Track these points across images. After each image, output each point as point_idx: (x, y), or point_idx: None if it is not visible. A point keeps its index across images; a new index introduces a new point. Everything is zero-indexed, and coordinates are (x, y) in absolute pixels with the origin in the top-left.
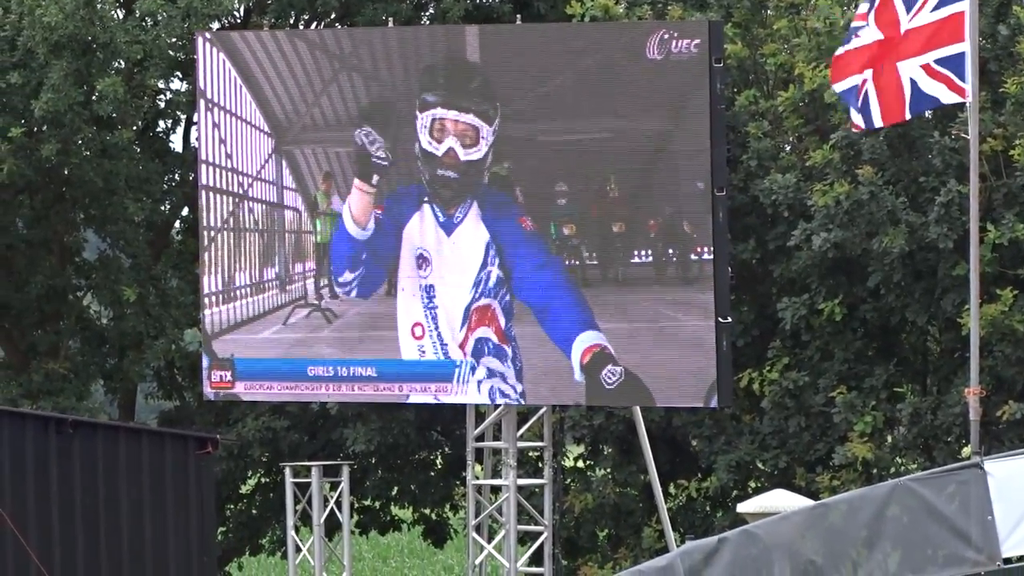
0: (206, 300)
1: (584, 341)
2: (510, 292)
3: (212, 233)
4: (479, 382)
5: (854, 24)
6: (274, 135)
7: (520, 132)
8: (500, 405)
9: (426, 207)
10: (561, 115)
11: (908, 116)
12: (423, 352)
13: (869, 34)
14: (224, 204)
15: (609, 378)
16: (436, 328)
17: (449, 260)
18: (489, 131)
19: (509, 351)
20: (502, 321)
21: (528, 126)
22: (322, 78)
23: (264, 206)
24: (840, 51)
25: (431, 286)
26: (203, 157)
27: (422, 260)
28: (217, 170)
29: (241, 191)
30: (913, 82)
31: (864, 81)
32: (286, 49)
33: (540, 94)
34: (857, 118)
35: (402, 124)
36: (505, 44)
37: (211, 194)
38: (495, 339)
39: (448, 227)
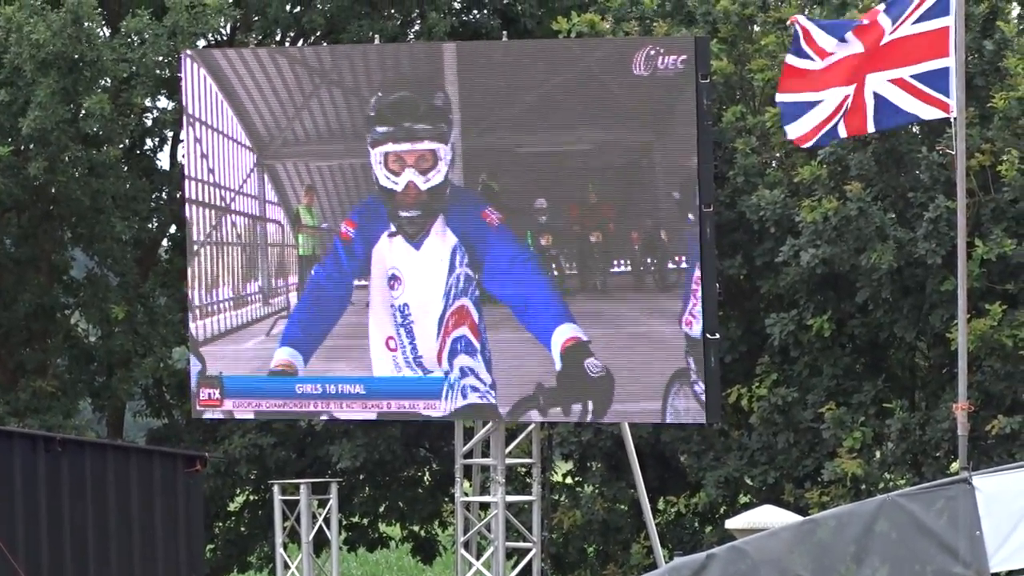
0: (191, 314)
1: (563, 333)
2: (480, 287)
3: (196, 247)
4: (454, 382)
5: (796, 30)
6: (256, 150)
7: (501, 144)
8: (489, 422)
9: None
10: (543, 129)
11: (871, 129)
12: (397, 364)
13: (845, 51)
14: (208, 218)
15: (593, 368)
16: (412, 341)
17: (420, 275)
18: (447, 149)
19: (478, 344)
20: (475, 316)
21: (508, 139)
22: (303, 93)
23: (247, 219)
24: (795, 63)
25: (405, 304)
26: (188, 173)
27: (394, 280)
28: (201, 185)
29: (223, 204)
30: (879, 96)
31: (847, 97)
32: (267, 65)
33: (523, 109)
34: (792, 132)
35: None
36: (487, 60)
37: (196, 208)
38: (469, 335)
39: (417, 244)
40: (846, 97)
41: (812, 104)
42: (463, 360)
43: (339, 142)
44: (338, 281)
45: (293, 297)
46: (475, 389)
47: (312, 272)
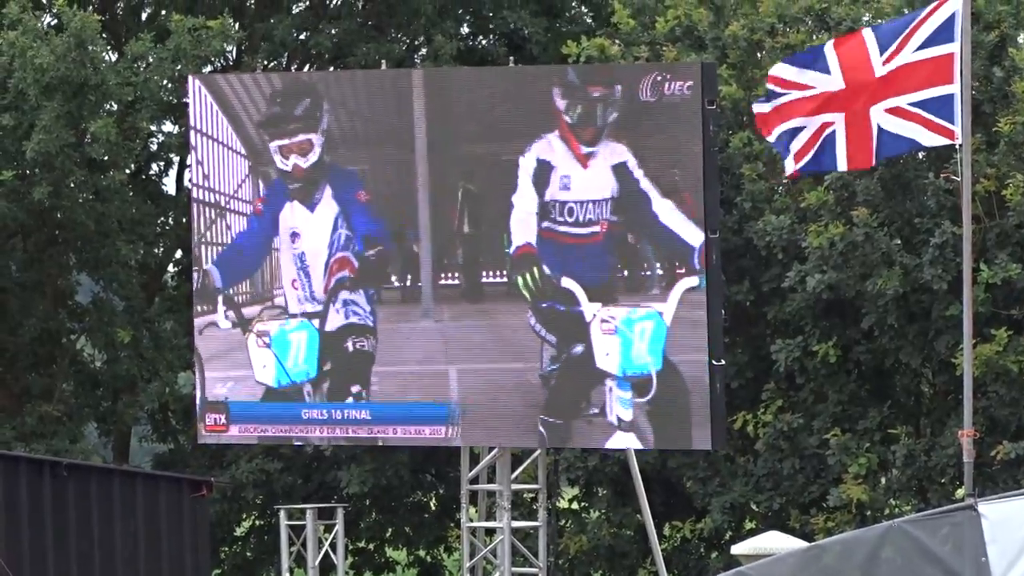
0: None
1: None
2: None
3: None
4: (339, 310)
5: (770, 86)
6: (250, 157)
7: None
8: (495, 448)
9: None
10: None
11: (874, 162)
12: (299, 299)
13: (828, 84)
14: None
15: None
16: (308, 281)
17: (312, 231)
18: (318, 137)
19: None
20: (355, 263)
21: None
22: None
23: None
24: (766, 108)
25: (302, 252)
26: (195, 196)
27: (294, 235)
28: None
29: (222, 205)
30: (880, 128)
31: (826, 124)
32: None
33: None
34: (790, 165)
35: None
36: (489, 85)
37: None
38: (349, 274)
39: (311, 207)
40: (826, 124)
41: (794, 131)
42: (344, 294)
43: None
44: (259, 241)
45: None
46: (356, 313)
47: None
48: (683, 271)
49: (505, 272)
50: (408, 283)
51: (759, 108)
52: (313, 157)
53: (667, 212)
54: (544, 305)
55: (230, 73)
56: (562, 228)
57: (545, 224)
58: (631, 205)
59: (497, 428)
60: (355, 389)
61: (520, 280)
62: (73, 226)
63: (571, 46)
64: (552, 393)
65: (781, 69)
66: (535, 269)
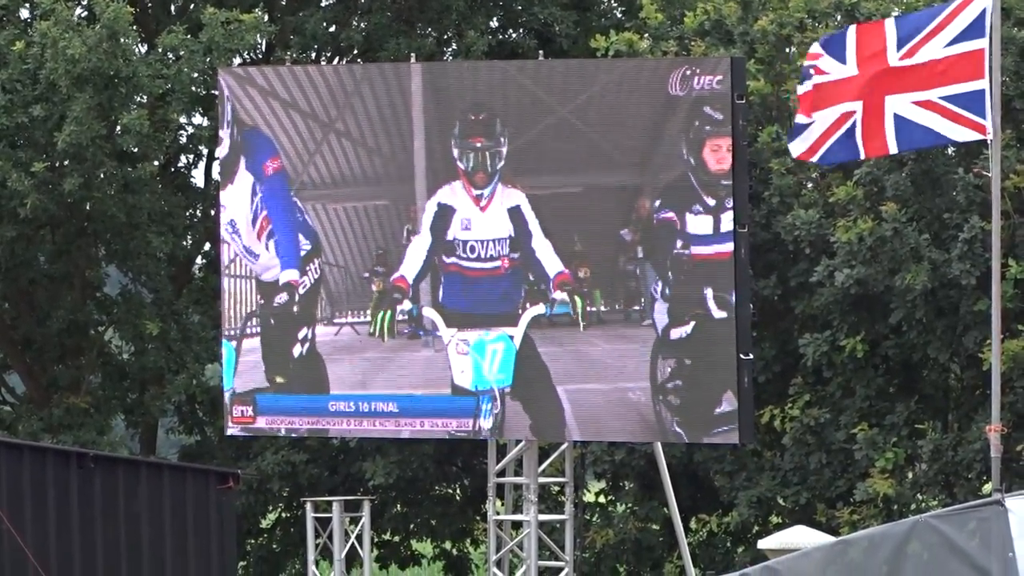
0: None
1: None
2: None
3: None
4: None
5: (806, 63)
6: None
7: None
8: (521, 441)
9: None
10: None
11: (893, 151)
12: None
13: (843, 70)
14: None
15: None
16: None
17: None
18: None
19: None
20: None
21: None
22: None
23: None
24: (803, 90)
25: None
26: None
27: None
28: None
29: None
30: (900, 118)
31: (846, 114)
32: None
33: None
34: (795, 149)
35: None
36: (525, 79)
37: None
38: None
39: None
40: (847, 115)
41: (807, 125)
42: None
43: None
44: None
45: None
46: None
47: None
48: None
49: None
50: None
51: (802, 89)
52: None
53: None
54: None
55: (261, 66)
56: None
57: None
58: None
59: (533, 422)
60: None
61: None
62: (102, 218)
63: (599, 40)
64: None
65: (816, 49)
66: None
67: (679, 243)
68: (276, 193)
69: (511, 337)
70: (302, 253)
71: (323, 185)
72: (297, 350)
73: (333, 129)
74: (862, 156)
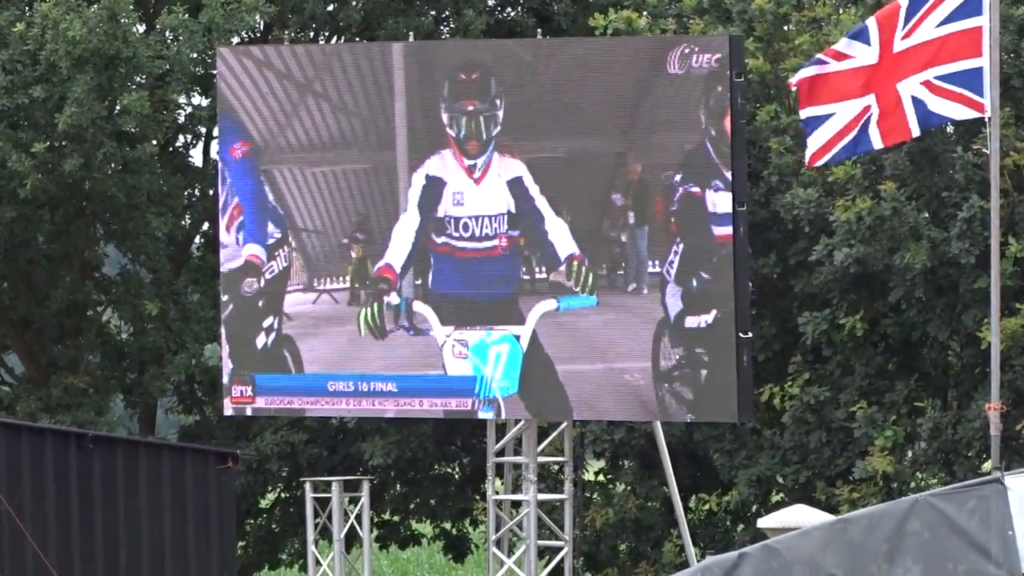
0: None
1: None
2: None
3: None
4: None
5: (821, 56)
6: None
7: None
8: (520, 420)
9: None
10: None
11: (917, 134)
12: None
13: (865, 57)
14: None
15: None
16: None
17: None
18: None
19: None
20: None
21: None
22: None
23: None
24: (805, 75)
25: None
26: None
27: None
28: None
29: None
30: (916, 100)
31: (866, 107)
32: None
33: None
34: (812, 145)
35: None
36: (519, 58)
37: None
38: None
39: None
40: (865, 109)
41: (825, 117)
42: None
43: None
44: None
45: None
46: None
47: None
48: None
49: None
50: None
51: (804, 72)
52: None
53: None
54: None
55: (261, 45)
56: None
57: None
58: None
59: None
60: None
61: None
62: (102, 198)
63: (598, 18)
64: None
65: (842, 43)
66: None
67: (712, 227)
68: (244, 176)
69: (517, 338)
70: (270, 241)
71: (300, 149)
72: (261, 340)
73: (311, 90)
74: (879, 146)
